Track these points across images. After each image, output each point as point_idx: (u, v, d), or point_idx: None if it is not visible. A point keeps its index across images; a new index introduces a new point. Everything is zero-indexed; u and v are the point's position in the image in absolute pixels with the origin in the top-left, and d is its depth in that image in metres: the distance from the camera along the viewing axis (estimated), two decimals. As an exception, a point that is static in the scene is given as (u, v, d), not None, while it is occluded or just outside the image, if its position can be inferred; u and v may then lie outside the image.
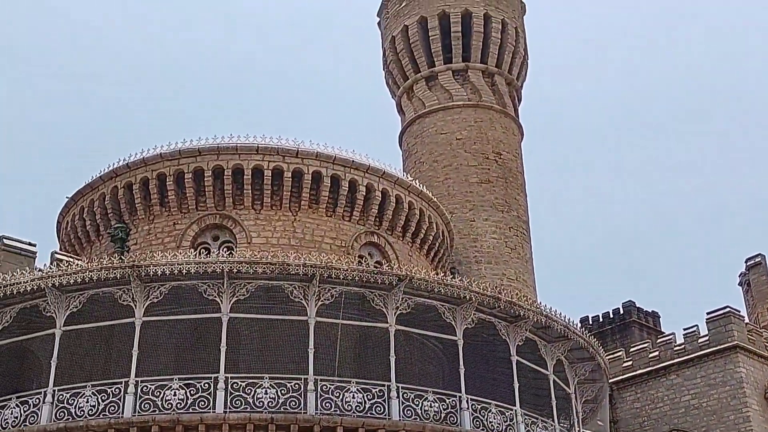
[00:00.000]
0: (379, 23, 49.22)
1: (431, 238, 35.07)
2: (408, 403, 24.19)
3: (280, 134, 32.32)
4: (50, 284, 23.96)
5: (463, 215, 41.17)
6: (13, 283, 24.05)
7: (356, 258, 31.20)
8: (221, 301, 24.01)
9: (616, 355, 42.16)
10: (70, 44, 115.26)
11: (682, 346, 40.18)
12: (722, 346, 38.68)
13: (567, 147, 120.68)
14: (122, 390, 23.16)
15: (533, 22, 50.44)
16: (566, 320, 27.38)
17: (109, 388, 23.39)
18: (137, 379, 23.28)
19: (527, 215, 43.56)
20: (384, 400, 24.00)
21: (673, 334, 41.50)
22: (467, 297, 25.40)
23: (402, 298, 24.94)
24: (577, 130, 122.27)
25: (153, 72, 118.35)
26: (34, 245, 28.74)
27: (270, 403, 23.25)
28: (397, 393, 24.11)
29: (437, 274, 26.39)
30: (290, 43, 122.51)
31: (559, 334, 27.26)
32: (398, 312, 24.91)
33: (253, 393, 23.31)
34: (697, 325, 40.25)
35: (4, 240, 28.31)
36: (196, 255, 24.96)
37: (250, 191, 31.48)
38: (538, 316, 26.48)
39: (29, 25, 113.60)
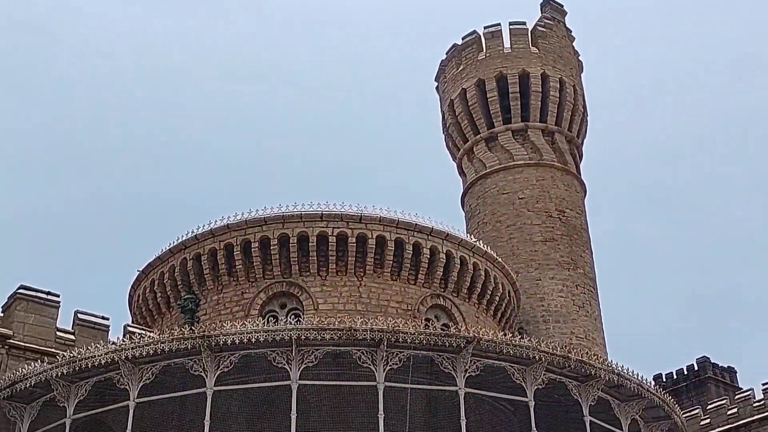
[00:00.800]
0: (437, 87, 49.82)
1: (497, 298, 34.89)
2: (481, 467, 23.89)
3: (342, 199, 32.78)
4: (123, 357, 24.38)
5: (528, 274, 40.95)
6: (88, 357, 24.54)
7: (423, 321, 31.13)
8: (290, 368, 24.14)
9: (693, 413, 41.08)
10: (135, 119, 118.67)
11: (762, 402, 39.02)
12: (804, 401, 37.48)
13: (626, 196, 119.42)
14: (195, 460, 23.31)
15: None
16: (639, 378, 26.86)
17: (183, 458, 23.56)
18: (210, 448, 23.42)
19: (594, 272, 43.15)
20: (456, 465, 23.74)
21: (752, 389, 40.37)
22: (536, 357, 25.14)
23: (470, 361, 24.78)
24: (631, 175, 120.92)
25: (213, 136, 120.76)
26: (108, 319, 29.28)
27: (342, 470, 23.19)
28: (470, 457, 23.81)
29: (505, 334, 26.20)
30: (352, 107, 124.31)
31: (633, 392, 26.73)
32: (467, 374, 24.73)
33: (324, 460, 23.27)
34: (776, 380, 39.13)
35: (79, 315, 28.92)
36: (264, 323, 25.25)
37: (315, 258, 31.83)
38: (610, 375, 26.04)
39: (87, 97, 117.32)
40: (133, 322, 34.57)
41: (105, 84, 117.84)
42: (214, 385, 24.17)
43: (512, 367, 25.30)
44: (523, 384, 25.27)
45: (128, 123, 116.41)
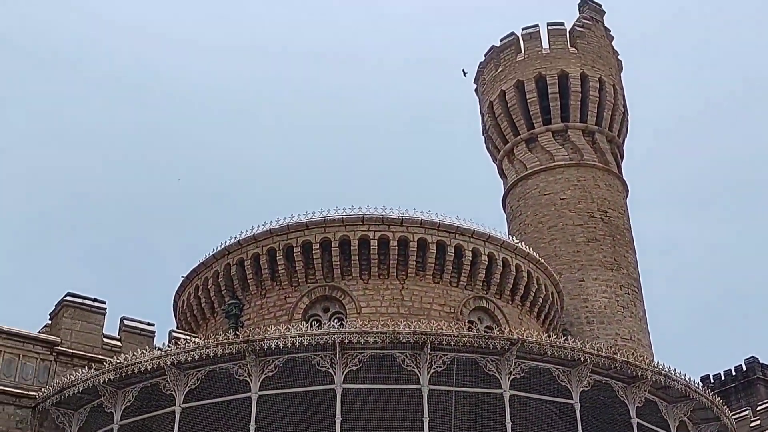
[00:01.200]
0: (476, 90, 49.70)
1: (541, 300, 34.67)
2: (527, 470, 23.73)
3: (383, 204, 32.80)
4: (169, 362, 24.55)
5: (571, 275, 40.65)
6: (134, 363, 24.79)
7: (466, 324, 31.00)
8: (334, 372, 24.16)
9: (742, 414, 40.37)
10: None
11: (813, 402, 38.31)
12: None
13: (675, 197, 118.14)
14: (242, 464, 23.40)
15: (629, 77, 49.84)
16: (687, 379, 26.50)
17: (229, 462, 23.66)
18: (256, 453, 23.51)
19: (637, 272, 42.71)
20: (502, 468, 23.61)
21: (802, 389, 39.68)
22: (582, 359, 24.91)
23: (515, 363, 24.62)
24: (684, 178, 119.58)
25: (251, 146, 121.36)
26: (153, 325, 29.54)
27: (387, 474, 23.15)
28: (516, 460, 23.64)
29: (549, 336, 25.96)
30: (392, 122, 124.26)
31: (681, 393, 26.38)
32: (512, 377, 24.59)
33: (370, 464, 23.25)
34: (827, 380, 38.39)
35: (125, 321, 29.22)
36: (308, 327, 25.31)
37: (357, 261, 31.86)
38: (657, 376, 25.72)
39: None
40: (177, 327, 34.88)
41: (112, 78, 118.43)
42: (259, 390, 24.27)
43: (557, 368, 25.11)
44: (569, 386, 25.07)
45: (132, 124, 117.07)
